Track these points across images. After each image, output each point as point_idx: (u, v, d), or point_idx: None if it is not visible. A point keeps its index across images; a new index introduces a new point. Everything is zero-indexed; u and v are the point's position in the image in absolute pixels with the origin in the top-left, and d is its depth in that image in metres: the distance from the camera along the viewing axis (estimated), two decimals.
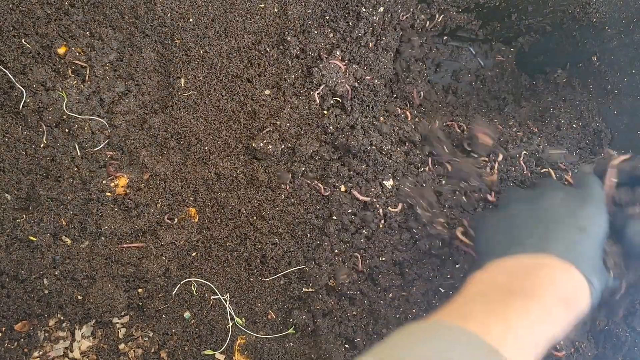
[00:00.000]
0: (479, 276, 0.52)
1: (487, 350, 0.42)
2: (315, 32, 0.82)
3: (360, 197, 0.76)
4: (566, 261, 0.51)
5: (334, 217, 0.77)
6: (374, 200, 0.76)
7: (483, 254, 0.58)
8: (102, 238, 0.74)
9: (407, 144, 0.82)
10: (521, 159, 0.77)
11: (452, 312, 0.48)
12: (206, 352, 0.72)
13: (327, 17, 0.83)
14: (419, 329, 0.44)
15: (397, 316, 0.74)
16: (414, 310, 0.74)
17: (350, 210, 0.77)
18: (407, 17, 0.87)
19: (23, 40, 0.72)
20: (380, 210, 0.76)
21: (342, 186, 0.78)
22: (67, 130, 0.74)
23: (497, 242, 0.56)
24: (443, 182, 0.78)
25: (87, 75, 0.75)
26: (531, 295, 0.48)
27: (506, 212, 0.60)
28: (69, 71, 0.74)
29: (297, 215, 0.79)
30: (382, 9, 0.83)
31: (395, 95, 0.92)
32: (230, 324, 0.74)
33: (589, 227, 0.54)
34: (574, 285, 0.51)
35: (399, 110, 0.86)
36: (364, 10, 0.82)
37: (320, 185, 0.79)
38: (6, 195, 0.72)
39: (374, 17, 0.83)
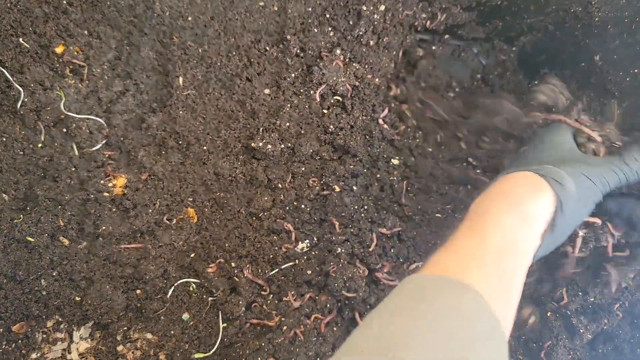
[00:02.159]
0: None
1: (449, 283, 0.44)
2: (316, 30, 0.82)
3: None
4: (520, 170, 0.54)
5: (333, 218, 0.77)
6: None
7: None
8: (100, 239, 0.73)
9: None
10: None
11: (427, 265, 0.50)
12: (197, 355, 0.71)
13: (328, 16, 0.83)
14: (398, 290, 0.46)
15: None
16: None
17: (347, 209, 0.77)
18: (408, 16, 0.87)
19: (21, 39, 0.72)
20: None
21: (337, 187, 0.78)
22: (64, 130, 0.73)
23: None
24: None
25: (85, 75, 0.74)
26: (482, 213, 0.51)
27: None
28: (67, 70, 0.74)
29: (297, 215, 0.78)
30: (383, 7, 0.83)
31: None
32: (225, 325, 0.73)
33: (546, 138, 0.61)
34: (526, 186, 0.52)
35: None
36: (365, 8, 0.81)
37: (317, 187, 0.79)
38: (3, 195, 0.72)
39: (375, 16, 0.82)
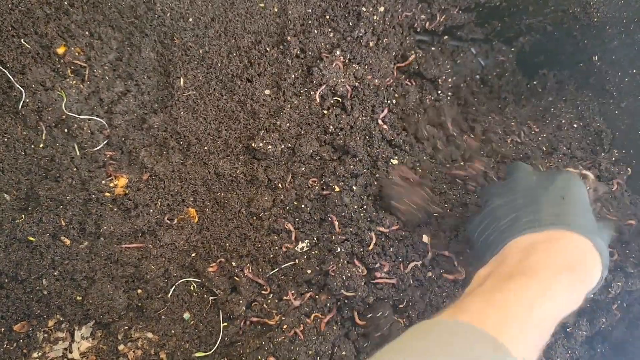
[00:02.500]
0: (481, 272, 0.52)
1: (482, 338, 0.41)
2: (316, 31, 0.82)
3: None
4: (560, 229, 0.50)
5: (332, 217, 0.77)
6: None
7: (483, 253, 0.58)
8: (102, 238, 0.74)
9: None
10: None
11: (453, 309, 0.47)
12: (198, 354, 0.71)
13: (328, 17, 0.83)
14: (419, 329, 0.44)
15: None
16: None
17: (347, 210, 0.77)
18: (407, 17, 0.87)
19: (22, 40, 0.72)
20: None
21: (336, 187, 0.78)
22: (66, 130, 0.74)
23: (491, 239, 0.56)
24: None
25: (86, 75, 0.75)
26: (530, 273, 0.47)
27: (489, 208, 0.60)
28: (69, 71, 0.74)
29: (297, 214, 0.78)
30: (382, 8, 0.83)
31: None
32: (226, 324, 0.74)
33: (568, 194, 0.55)
34: (576, 249, 0.49)
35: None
36: (365, 9, 0.82)
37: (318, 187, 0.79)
38: (5, 195, 0.72)
39: (375, 17, 0.82)
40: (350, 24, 0.82)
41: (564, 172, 0.59)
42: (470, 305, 0.46)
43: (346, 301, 0.73)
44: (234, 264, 0.75)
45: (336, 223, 0.77)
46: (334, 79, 0.80)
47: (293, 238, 0.77)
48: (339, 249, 0.75)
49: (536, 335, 0.44)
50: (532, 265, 0.47)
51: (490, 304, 0.45)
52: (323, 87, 0.80)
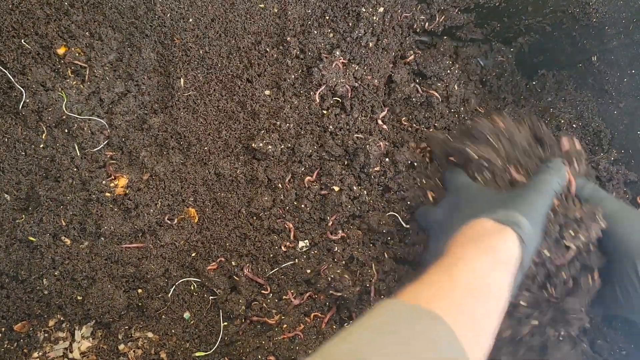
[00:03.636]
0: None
1: (417, 313, 0.46)
2: (315, 32, 0.82)
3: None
4: (481, 218, 0.57)
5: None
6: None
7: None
8: (102, 238, 0.74)
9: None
10: None
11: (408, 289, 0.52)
12: (198, 354, 0.71)
13: (327, 18, 0.83)
14: (365, 317, 0.48)
15: None
16: None
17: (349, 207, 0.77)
18: (407, 17, 0.87)
19: (23, 40, 0.72)
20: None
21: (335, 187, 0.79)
22: (66, 130, 0.74)
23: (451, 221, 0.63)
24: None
25: (86, 76, 0.75)
26: (454, 255, 0.53)
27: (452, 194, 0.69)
28: (69, 71, 0.74)
29: (296, 214, 0.79)
30: (382, 9, 0.83)
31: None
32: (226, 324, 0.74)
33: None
34: (495, 235, 0.55)
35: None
36: (364, 10, 0.82)
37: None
38: (6, 195, 0.72)
39: (374, 18, 0.83)
40: (350, 24, 0.83)
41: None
42: (413, 288, 0.51)
43: (343, 301, 0.74)
44: (233, 263, 0.75)
45: (336, 223, 0.77)
46: (334, 80, 0.80)
47: (293, 238, 0.77)
48: (336, 249, 0.75)
49: (468, 310, 0.48)
50: (457, 251, 0.54)
51: (425, 283, 0.50)
52: (323, 87, 0.80)
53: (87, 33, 0.75)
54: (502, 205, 0.59)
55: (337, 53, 0.81)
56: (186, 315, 0.74)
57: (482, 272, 0.51)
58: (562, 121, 0.88)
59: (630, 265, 0.58)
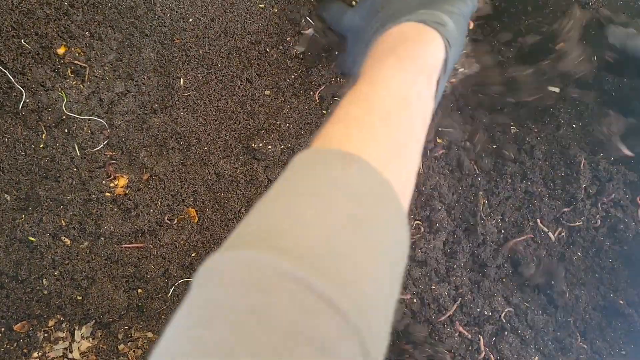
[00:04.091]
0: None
1: (334, 157, 0.39)
2: None
3: None
4: (402, 22, 0.51)
5: None
6: None
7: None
8: (102, 238, 0.74)
9: None
10: None
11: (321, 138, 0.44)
12: None
13: None
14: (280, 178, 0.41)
15: None
16: None
17: None
18: None
19: (22, 40, 0.72)
20: None
21: None
22: (66, 130, 0.74)
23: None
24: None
25: (86, 76, 0.75)
26: (374, 79, 0.46)
27: None
28: (69, 71, 0.74)
29: None
30: None
31: None
32: None
33: None
34: (414, 37, 0.49)
35: None
36: None
37: None
38: (5, 195, 0.72)
39: None
40: None
41: None
42: (324, 129, 0.43)
43: None
44: None
45: None
46: (333, 79, 0.80)
47: None
48: None
49: (386, 136, 0.42)
50: (374, 66, 0.47)
51: (335, 120, 0.43)
52: (322, 87, 0.80)
53: (87, 33, 0.75)
54: (422, 6, 0.53)
55: (337, 52, 0.81)
56: None
57: (401, 87, 0.45)
58: (562, 121, 0.88)
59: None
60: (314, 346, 0.28)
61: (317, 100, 0.81)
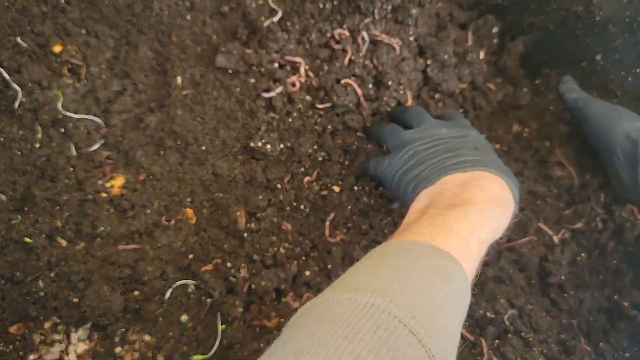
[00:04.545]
0: (415, 205, 0.61)
1: (434, 250, 0.49)
2: (315, 33, 0.81)
3: None
4: (482, 170, 0.61)
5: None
6: None
7: (406, 190, 0.66)
8: (98, 239, 0.73)
9: None
10: None
11: (399, 235, 0.54)
12: (195, 357, 0.70)
13: (326, 15, 0.83)
14: (375, 253, 0.51)
15: None
16: None
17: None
18: None
19: (18, 38, 0.71)
20: None
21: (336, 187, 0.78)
22: (62, 130, 0.73)
23: (420, 176, 0.65)
24: None
25: (83, 74, 0.74)
26: (468, 204, 0.56)
27: (411, 151, 0.69)
28: (65, 70, 0.74)
29: (296, 215, 0.78)
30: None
31: None
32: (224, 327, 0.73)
33: (480, 145, 0.68)
34: (497, 185, 0.60)
35: None
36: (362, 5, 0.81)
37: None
38: (1, 196, 0.71)
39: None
40: (355, 18, 0.82)
41: (472, 129, 0.73)
42: (417, 229, 0.53)
43: None
44: (229, 264, 0.74)
45: (328, 224, 0.77)
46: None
47: (291, 239, 0.76)
48: (334, 249, 0.75)
49: (475, 253, 0.53)
50: (469, 197, 0.57)
51: (436, 226, 0.52)
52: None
53: (83, 31, 0.75)
54: (477, 163, 0.63)
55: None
56: (183, 318, 0.73)
57: (494, 220, 0.57)
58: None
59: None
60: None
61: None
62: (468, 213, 0.54)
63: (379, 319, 0.39)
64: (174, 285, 0.73)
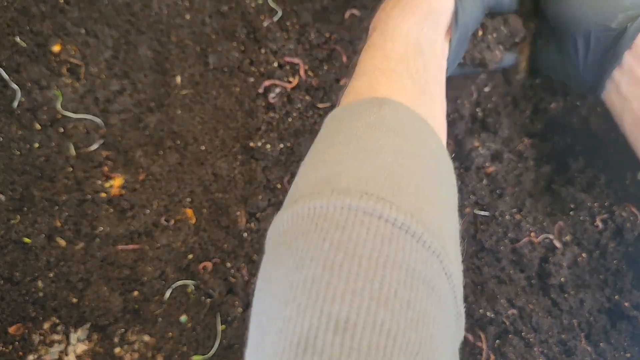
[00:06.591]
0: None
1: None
2: (314, 31, 0.81)
3: None
4: None
5: None
6: None
7: None
8: (97, 240, 0.73)
9: None
10: None
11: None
12: (195, 357, 0.70)
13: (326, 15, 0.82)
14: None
15: None
16: None
17: None
18: None
19: (17, 38, 0.71)
20: None
21: None
22: (61, 129, 0.73)
23: None
24: None
25: (82, 74, 0.74)
26: (382, 28, 0.49)
27: None
28: (64, 69, 0.74)
29: None
30: None
31: None
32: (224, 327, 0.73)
33: None
34: None
35: None
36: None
37: None
38: (0, 195, 0.71)
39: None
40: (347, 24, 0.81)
41: None
42: (348, 88, 0.46)
43: None
44: (229, 264, 0.74)
45: None
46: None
47: None
48: None
49: (408, 76, 0.44)
50: (382, 20, 0.50)
51: (357, 75, 0.46)
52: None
53: (82, 30, 0.74)
54: None
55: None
56: (183, 318, 0.72)
57: (409, 33, 0.47)
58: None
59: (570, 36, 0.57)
60: (402, 269, 0.30)
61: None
62: (377, 40, 0.48)
63: (344, 222, 0.31)
64: (174, 286, 0.73)
